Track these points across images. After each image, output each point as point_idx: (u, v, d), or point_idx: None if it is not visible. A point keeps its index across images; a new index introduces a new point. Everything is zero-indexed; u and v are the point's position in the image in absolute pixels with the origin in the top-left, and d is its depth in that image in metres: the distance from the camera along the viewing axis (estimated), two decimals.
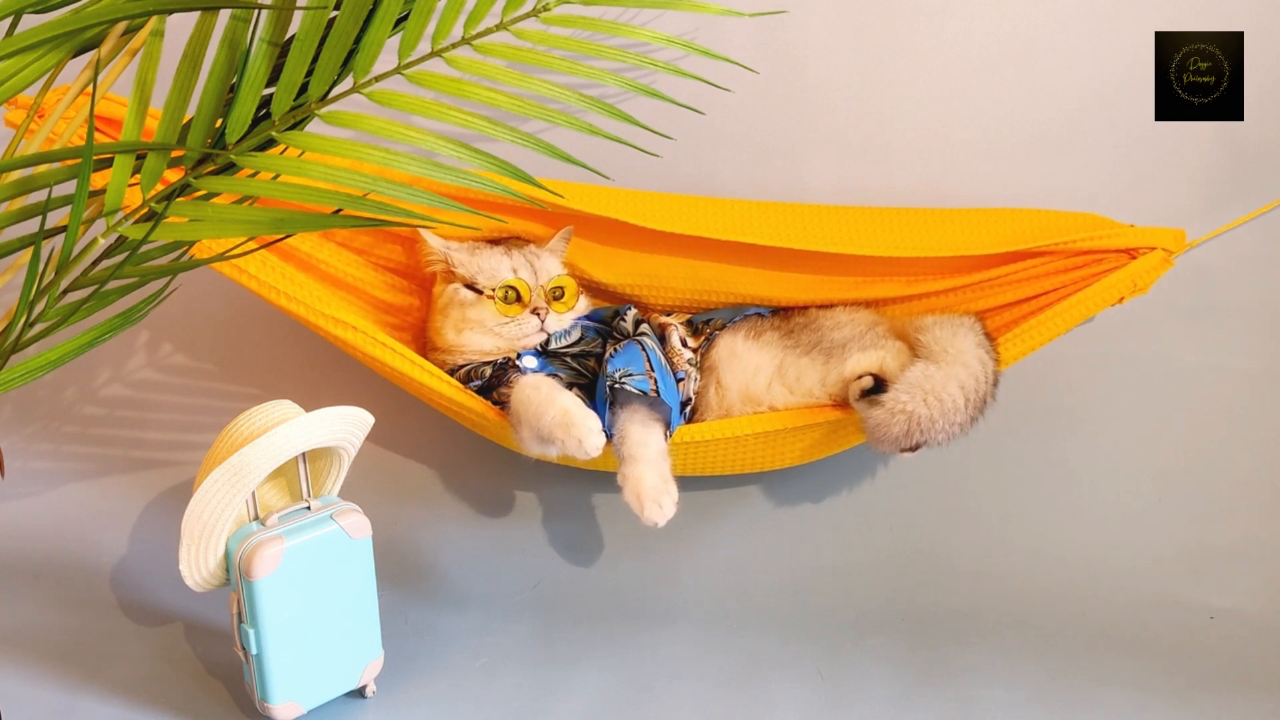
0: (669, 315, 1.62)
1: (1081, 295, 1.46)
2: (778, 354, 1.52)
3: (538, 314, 1.50)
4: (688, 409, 1.50)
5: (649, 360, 1.42)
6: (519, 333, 1.50)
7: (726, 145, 1.69)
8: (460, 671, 1.48)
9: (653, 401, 1.39)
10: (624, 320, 1.55)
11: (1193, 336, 1.70)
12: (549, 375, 1.46)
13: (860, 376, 1.44)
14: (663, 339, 1.54)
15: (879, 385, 1.42)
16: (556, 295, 1.52)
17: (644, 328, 1.54)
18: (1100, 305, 1.47)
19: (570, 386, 1.44)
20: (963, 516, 1.76)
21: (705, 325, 1.59)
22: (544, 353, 1.53)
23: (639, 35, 1.22)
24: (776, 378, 1.50)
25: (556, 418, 1.31)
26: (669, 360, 1.50)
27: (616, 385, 1.37)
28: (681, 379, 1.49)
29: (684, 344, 1.55)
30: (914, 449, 1.40)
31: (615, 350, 1.44)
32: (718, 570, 1.72)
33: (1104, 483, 1.75)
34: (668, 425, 1.40)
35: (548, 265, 1.54)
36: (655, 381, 1.38)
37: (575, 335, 1.55)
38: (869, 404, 1.41)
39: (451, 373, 1.49)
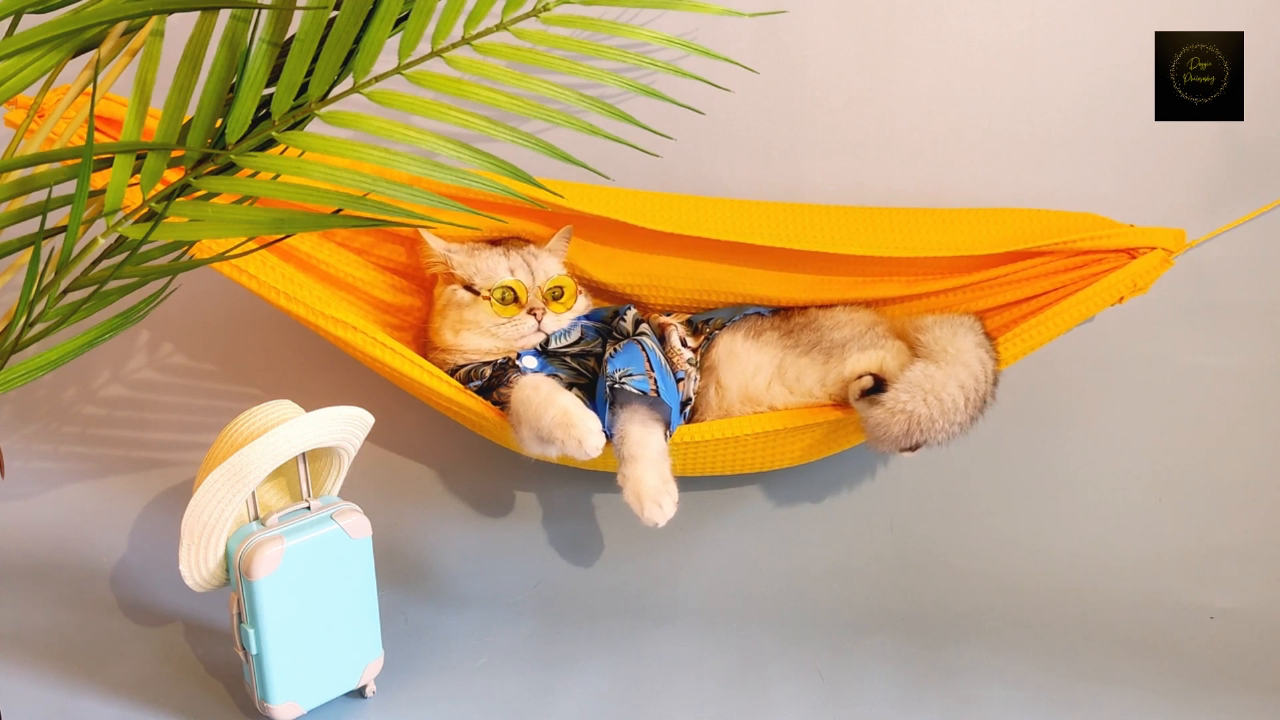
0: (669, 315, 1.62)
1: (1081, 295, 1.46)
2: (777, 354, 1.52)
3: (534, 314, 1.50)
4: (687, 409, 1.50)
5: (649, 360, 1.42)
6: (516, 333, 1.50)
7: (726, 145, 1.69)
8: (460, 671, 1.48)
9: (653, 401, 1.39)
10: (624, 320, 1.55)
11: (1193, 336, 1.70)
12: (549, 375, 1.46)
13: (860, 376, 1.44)
14: (662, 339, 1.54)
15: (879, 385, 1.42)
16: (555, 295, 1.52)
17: (644, 328, 1.54)
18: (1100, 305, 1.47)
19: (570, 386, 1.44)
20: (963, 516, 1.76)
21: (705, 325, 1.59)
22: (544, 353, 1.52)
23: (639, 35, 1.22)
24: (776, 377, 1.50)
25: (556, 418, 1.31)
26: (669, 360, 1.50)
27: (616, 385, 1.37)
28: (681, 379, 1.49)
29: (684, 344, 1.55)
30: (914, 449, 1.40)
31: (615, 350, 1.44)
32: (718, 570, 1.72)
33: (1104, 483, 1.75)
34: (668, 425, 1.40)
35: (546, 265, 1.54)
36: (655, 381, 1.38)
37: (575, 335, 1.55)
38: (869, 404, 1.41)
39: (451, 373, 1.49)
